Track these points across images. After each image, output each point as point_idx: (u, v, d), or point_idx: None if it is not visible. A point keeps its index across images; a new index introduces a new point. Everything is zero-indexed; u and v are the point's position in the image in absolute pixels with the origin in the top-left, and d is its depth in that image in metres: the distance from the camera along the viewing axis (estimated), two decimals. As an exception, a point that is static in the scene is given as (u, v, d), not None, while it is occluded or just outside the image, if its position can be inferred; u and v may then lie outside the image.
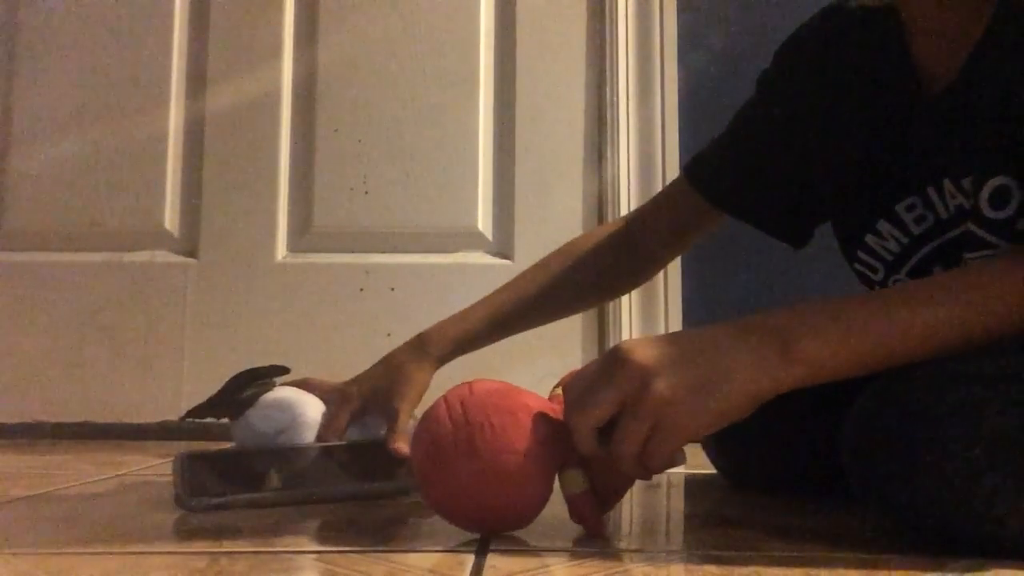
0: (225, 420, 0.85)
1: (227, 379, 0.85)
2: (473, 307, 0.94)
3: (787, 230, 0.91)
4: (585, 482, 0.60)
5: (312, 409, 0.84)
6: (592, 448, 0.58)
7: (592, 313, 1.56)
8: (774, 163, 0.88)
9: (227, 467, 0.78)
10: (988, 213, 0.66)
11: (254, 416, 0.82)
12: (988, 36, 0.67)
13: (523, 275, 0.97)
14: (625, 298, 1.54)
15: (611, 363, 0.58)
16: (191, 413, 0.84)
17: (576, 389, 0.59)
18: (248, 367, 0.86)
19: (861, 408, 0.58)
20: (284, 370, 0.87)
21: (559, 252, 0.98)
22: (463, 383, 0.63)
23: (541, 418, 0.60)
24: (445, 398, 0.62)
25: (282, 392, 0.86)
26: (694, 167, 0.94)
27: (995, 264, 0.63)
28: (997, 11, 0.67)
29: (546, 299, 0.95)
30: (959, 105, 0.70)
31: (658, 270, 1.03)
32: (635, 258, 0.98)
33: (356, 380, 0.89)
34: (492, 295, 0.95)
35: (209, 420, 0.84)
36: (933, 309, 0.59)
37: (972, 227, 0.68)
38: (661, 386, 0.55)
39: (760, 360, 0.57)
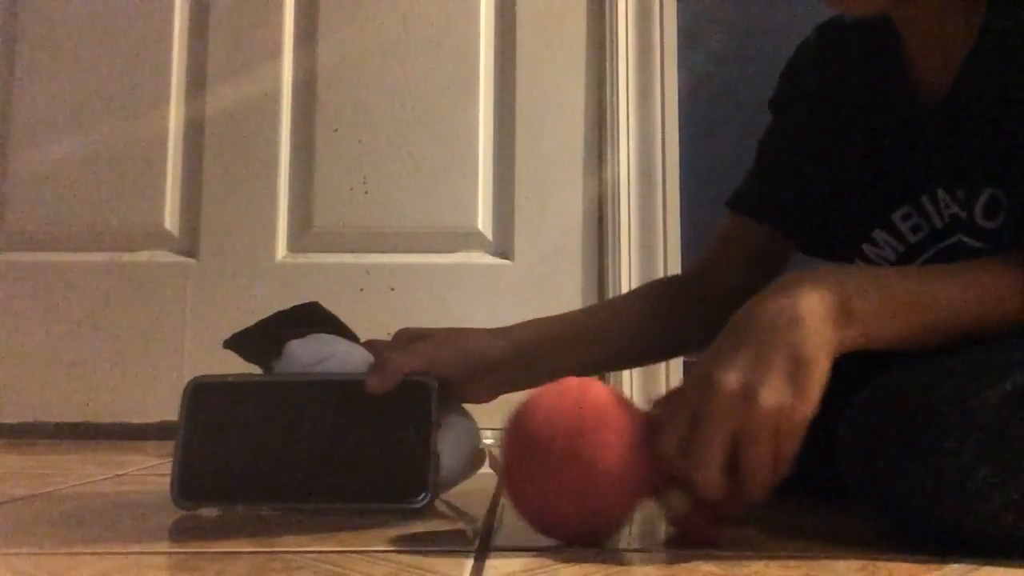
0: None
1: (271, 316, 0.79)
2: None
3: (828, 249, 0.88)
4: (689, 502, 0.56)
5: (357, 352, 0.77)
6: (720, 488, 0.54)
7: (592, 313, 1.56)
8: (803, 182, 0.87)
9: (239, 408, 0.73)
10: (982, 223, 0.68)
11: (296, 344, 0.76)
12: (978, 48, 0.68)
13: (599, 304, 0.91)
14: (625, 298, 1.54)
15: (703, 401, 0.54)
16: (231, 342, 0.77)
17: (673, 435, 0.55)
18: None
19: (856, 407, 0.58)
20: (344, 330, 0.79)
21: (625, 296, 0.91)
22: (567, 381, 0.60)
23: (642, 440, 0.57)
24: (553, 392, 0.59)
25: (332, 337, 0.79)
26: (736, 199, 0.92)
27: (997, 261, 0.64)
28: (986, 23, 0.67)
29: (617, 329, 0.87)
30: (952, 116, 0.71)
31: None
32: (708, 306, 0.89)
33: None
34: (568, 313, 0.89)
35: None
36: (962, 285, 0.60)
37: (964, 238, 0.69)
38: (766, 399, 0.53)
39: (824, 320, 0.56)
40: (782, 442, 0.54)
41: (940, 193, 0.73)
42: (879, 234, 0.78)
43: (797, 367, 0.54)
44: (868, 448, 0.57)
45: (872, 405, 0.58)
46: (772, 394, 0.53)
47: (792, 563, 0.54)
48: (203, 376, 0.73)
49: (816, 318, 0.56)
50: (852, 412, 0.58)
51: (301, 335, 0.76)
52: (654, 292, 0.95)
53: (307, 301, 0.79)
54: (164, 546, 0.61)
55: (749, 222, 0.90)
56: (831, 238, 0.85)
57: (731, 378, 0.54)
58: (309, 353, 0.75)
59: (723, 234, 0.93)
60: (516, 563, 0.54)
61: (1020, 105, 0.65)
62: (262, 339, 0.77)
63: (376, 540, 0.61)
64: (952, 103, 0.70)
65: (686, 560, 0.56)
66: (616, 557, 0.57)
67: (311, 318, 0.78)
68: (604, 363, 0.90)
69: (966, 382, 0.55)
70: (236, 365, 0.79)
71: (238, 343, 0.77)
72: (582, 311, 0.87)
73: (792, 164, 0.88)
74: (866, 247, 0.79)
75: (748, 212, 0.90)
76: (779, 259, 0.90)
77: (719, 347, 0.57)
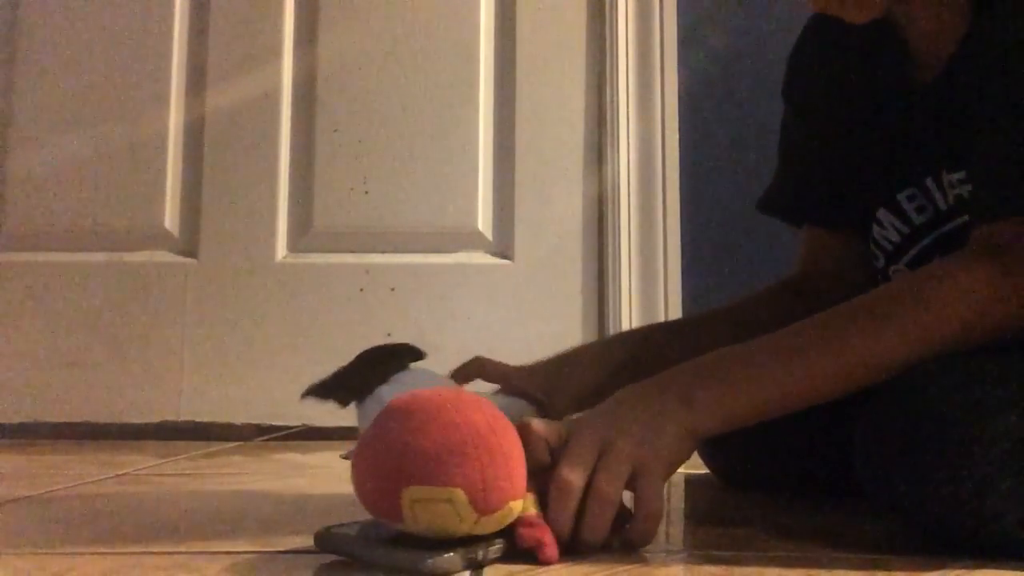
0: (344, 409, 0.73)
1: (351, 359, 0.75)
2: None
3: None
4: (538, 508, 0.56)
5: (446, 384, 0.72)
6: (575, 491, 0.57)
7: (592, 313, 1.56)
8: (821, 172, 0.88)
9: None
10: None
11: (387, 391, 0.72)
12: (972, 31, 0.69)
13: (712, 312, 0.92)
14: (625, 298, 1.54)
15: (570, 441, 0.58)
16: (312, 391, 0.73)
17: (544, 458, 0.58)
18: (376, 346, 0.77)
19: (874, 408, 0.57)
20: (418, 354, 0.77)
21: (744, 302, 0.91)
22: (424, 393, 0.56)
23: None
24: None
25: (419, 372, 0.75)
26: (769, 201, 0.93)
27: (901, 284, 0.64)
28: (977, 7, 0.68)
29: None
30: (946, 97, 0.71)
31: None
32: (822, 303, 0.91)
33: (531, 369, 0.80)
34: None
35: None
36: (843, 349, 0.61)
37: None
38: (622, 442, 0.57)
39: (672, 411, 0.60)
40: (639, 477, 0.57)
41: (944, 174, 0.73)
42: (884, 215, 0.79)
43: (654, 438, 0.58)
44: (885, 451, 0.56)
45: (891, 407, 0.57)
46: (626, 443, 0.58)
47: (792, 563, 0.54)
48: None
49: (670, 416, 0.59)
50: (869, 412, 0.57)
51: (386, 378, 0.73)
52: (775, 298, 0.93)
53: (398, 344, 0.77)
54: (164, 546, 0.61)
55: (813, 226, 0.91)
56: (843, 218, 0.86)
57: (592, 429, 0.59)
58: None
59: (804, 237, 0.93)
60: (516, 564, 0.54)
61: (996, 86, 0.65)
62: (350, 385, 0.74)
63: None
64: (945, 83, 0.71)
65: (686, 560, 0.56)
66: (616, 558, 0.57)
67: (399, 352, 0.76)
68: None
69: (989, 389, 0.54)
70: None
71: (324, 391, 0.73)
72: (707, 321, 0.90)
73: (810, 155, 0.89)
74: (873, 228, 0.80)
75: (781, 215, 0.92)
76: (855, 240, 0.89)
77: (590, 413, 0.62)
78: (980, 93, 0.66)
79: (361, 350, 0.76)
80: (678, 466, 0.61)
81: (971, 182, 0.68)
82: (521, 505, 0.54)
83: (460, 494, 0.50)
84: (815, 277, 0.91)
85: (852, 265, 0.88)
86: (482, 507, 0.51)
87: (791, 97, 0.92)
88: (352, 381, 0.75)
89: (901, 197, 0.77)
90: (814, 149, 0.88)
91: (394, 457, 0.51)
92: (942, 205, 0.74)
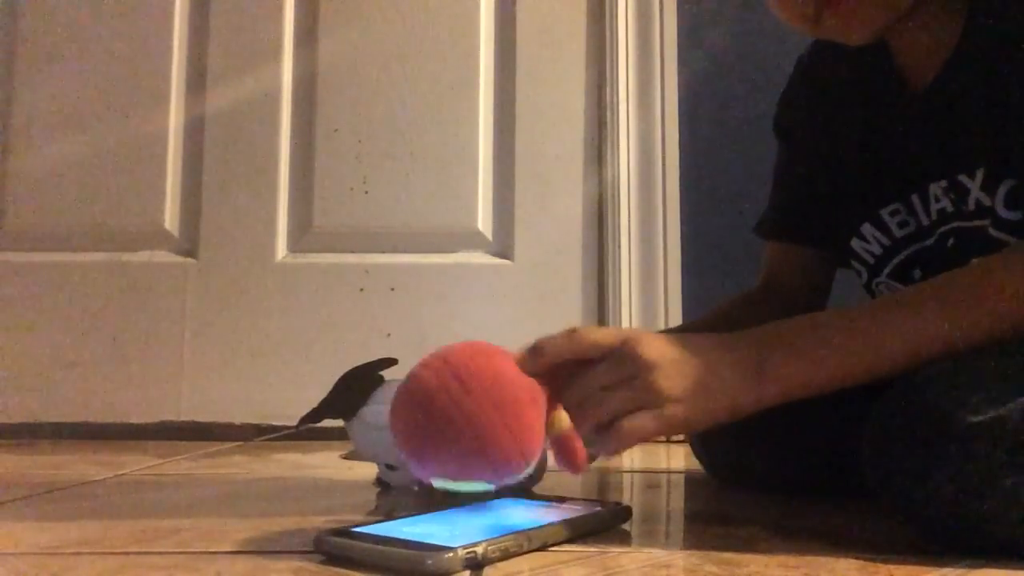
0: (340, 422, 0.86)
1: (336, 380, 0.86)
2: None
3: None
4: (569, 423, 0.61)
5: None
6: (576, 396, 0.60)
7: (592, 313, 1.56)
8: (813, 196, 0.90)
9: None
10: (1004, 214, 0.69)
11: (367, 412, 0.84)
12: (962, 45, 0.70)
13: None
14: (625, 297, 1.54)
15: (617, 349, 0.60)
16: (305, 419, 0.84)
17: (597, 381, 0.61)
18: (355, 365, 0.87)
19: (881, 406, 0.57)
20: (392, 362, 0.87)
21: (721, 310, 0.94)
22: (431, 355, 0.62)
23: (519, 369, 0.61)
24: (421, 364, 0.62)
25: (393, 385, 0.86)
26: (762, 225, 0.97)
27: (976, 270, 0.64)
28: (968, 22, 0.70)
29: None
30: (934, 109, 0.73)
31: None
32: (784, 310, 0.95)
33: None
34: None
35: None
36: (912, 323, 0.60)
37: (991, 230, 0.70)
38: (660, 378, 0.58)
39: (739, 375, 0.60)
40: (640, 408, 0.59)
41: (932, 188, 0.74)
42: (867, 228, 0.81)
43: (698, 391, 0.59)
44: (889, 451, 0.56)
45: (896, 408, 0.56)
46: (665, 380, 0.59)
47: (792, 563, 0.54)
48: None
49: (733, 379, 0.60)
50: (877, 412, 0.57)
51: (366, 398, 0.84)
52: (745, 304, 0.97)
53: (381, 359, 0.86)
54: (164, 546, 0.61)
55: (785, 244, 0.95)
56: (826, 233, 0.88)
57: (646, 350, 0.59)
58: (380, 418, 0.81)
59: (771, 254, 0.97)
60: (516, 562, 0.54)
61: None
62: (337, 409, 0.85)
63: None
64: (933, 96, 0.73)
65: (686, 560, 0.56)
66: (616, 556, 0.57)
67: (373, 368, 0.85)
68: None
69: (999, 386, 0.54)
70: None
71: (316, 417, 0.84)
72: (701, 324, 0.92)
73: (803, 181, 0.91)
74: (855, 242, 0.82)
75: (778, 237, 0.95)
76: (828, 261, 0.93)
77: (659, 335, 0.62)
78: (999, 97, 0.67)
79: (361, 348, 0.81)
80: (703, 427, 0.61)
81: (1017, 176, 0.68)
82: (547, 430, 0.60)
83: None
84: (780, 289, 0.95)
85: (816, 277, 0.94)
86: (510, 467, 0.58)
87: (782, 131, 0.95)
88: (338, 405, 0.85)
89: (884, 212, 0.79)
90: (806, 175, 0.90)
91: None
92: (924, 220, 0.76)
